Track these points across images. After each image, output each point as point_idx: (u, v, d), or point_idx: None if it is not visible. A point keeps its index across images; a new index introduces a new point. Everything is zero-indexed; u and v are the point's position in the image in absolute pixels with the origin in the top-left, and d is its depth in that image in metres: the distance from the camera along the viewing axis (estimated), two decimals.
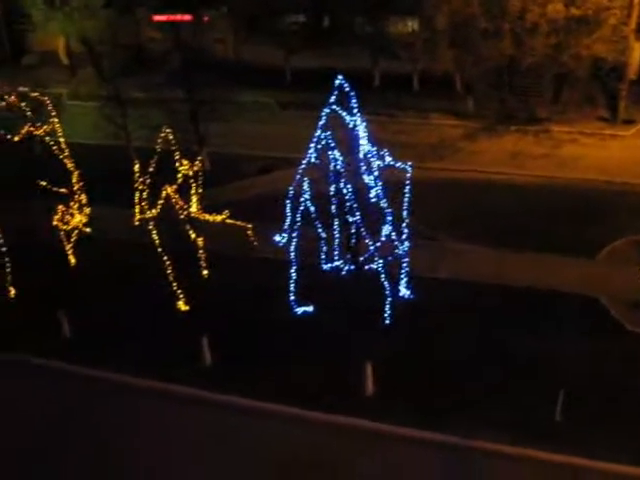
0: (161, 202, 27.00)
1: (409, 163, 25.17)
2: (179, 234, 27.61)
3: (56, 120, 29.82)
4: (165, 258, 26.58)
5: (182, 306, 26.94)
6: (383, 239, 24.94)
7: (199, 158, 29.82)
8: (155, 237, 26.65)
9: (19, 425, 22.76)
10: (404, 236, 25.46)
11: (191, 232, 27.96)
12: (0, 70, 46.49)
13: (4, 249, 28.21)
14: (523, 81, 44.14)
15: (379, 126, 35.59)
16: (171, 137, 28.46)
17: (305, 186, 24.59)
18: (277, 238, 26.34)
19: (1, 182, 28.11)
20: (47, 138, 29.19)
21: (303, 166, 24.49)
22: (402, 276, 25.95)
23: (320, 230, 26.05)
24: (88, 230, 30.07)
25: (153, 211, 27.34)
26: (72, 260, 29.95)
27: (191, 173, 28.31)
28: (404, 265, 25.79)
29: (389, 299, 25.05)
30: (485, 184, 35.96)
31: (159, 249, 26.65)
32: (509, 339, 24.50)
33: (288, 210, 25.78)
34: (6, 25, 62.24)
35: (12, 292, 28.47)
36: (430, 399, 22.19)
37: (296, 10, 56.90)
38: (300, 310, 26.06)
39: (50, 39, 58.45)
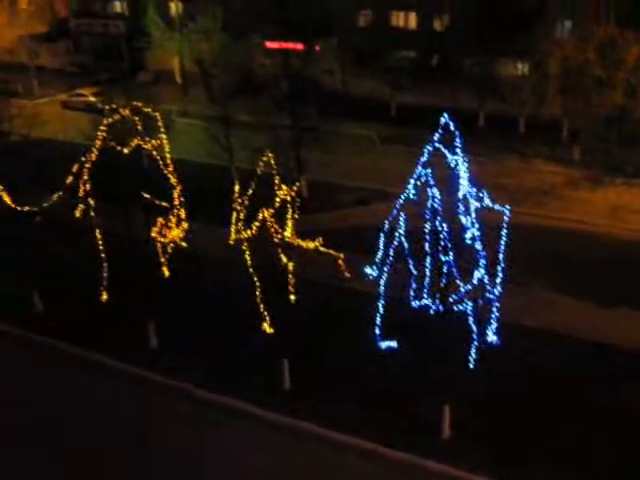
0: (257, 224, 27.42)
1: (507, 207, 24.79)
2: (271, 257, 27.92)
3: (164, 136, 30.81)
4: (255, 279, 26.92)
5: (267, 328, 27.19)
6: (475, 282, 24.55)
7: (297, 184, 30.17)
8: (248, 258, 27.06)
9: (88, 429, 23.43)
10: (496, 280, 25.01)
11: (283, 256, 28.25)
12: (117, 84, 48.36)
13: (103, 255, 29.22)
14: (633, 133, 42.87)
15: (480, 167, 35.21)
16: (272, 161, 28.93)
17: (401, 221, 24.51)
18: (368, 270, 26.28)
19: (107, 191, 29.10)
20: (154, 152, 30.15)
21: (400, 201, 24.44)
22: (491, 321, 25.46)
23: (412, 266, 25.87)
24: (184, 244, 30.79)
25: (248, 232, 27.77)
26: (166, 272, 30.71)
27: (288, 198, 28.64)
28: (494, 310, 25.32)
29: (475, 343, 24.61)
30: (584, 235, 34.98)
31: (250, 270, 27.04)
32: (592, 395, 23.67)
33: (381, 244, 25.73)
34: (127, 42, 64.94)
35: (105, 297, 29.46)
36: (507, 448, 21.61)
37: (406, 47, 57.19)
38: (384, 345, 25.88)
39: (166, 58, 60.60)
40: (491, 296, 24.93)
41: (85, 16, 69.14)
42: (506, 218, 24.73)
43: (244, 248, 27.29)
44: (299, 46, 52.25)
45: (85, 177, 29.06)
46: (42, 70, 63.52)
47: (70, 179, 29.68)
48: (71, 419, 23.90)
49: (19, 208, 30.02)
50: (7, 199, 29.80)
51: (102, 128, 29.65)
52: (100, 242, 29.17)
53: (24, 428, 23.48)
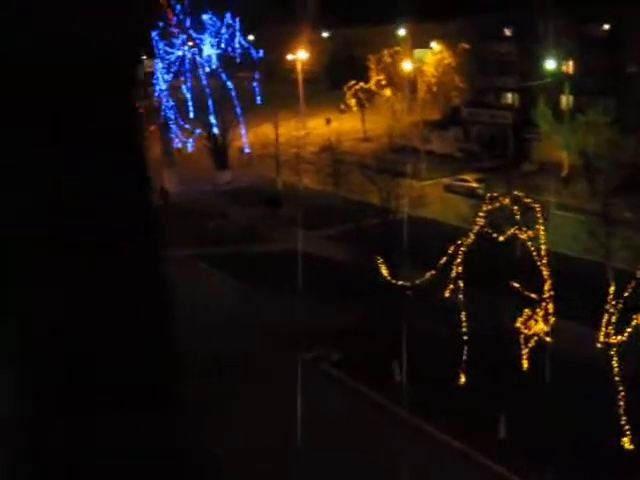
0: (630, 329, 25.79)
1: None
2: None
3: (541, 227, 30.58)
4: (621, 389, 25.23)
5: (627, 444, 25.20)
6: None
7: None
8: (615, 365, 25.51)
9: None
10: None
11: None
12: (500, 173, 49.43)
13: (465, 337, 29.67)
14: None
15: None
16: None
17: None
18: None
19: (478, 275, 29.66)
20: (529, 243, 30.04)
21: None
22: None
23: None
24: (548, 339, 29.96)
25: (619, 337, 26.21)
26: (525, 364, 30.08)
27: None
28: None
29: None
30: None
31: (616, 378, 25.43)
32: None
33: None
34: (514, 132, 66.32)
35: (462, 379, 29.78)
36: None
37: None
38: None
39: (552, 150, 60.53)
40: None
41: (477, 106, 72.31)
42: None
43: (612, 354, 25.80)
44: None
45: (459, 259, 29.98)
46: (431, 154, 67.53)
47: (444, 259, 30.81)
48: None
49: (394, 282, 31.86)
50: (385, 272, 31.88)
51: (481, 214, 30.46)
52: (464, 324, 29.71)
53: None
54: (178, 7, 67.41)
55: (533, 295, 29.82)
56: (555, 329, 30.03)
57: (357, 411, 29.83)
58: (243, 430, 28.69)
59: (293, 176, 61.11)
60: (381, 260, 31.84)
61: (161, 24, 67.93)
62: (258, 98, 71.11)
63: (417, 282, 32.00)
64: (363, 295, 35.65)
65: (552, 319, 29.72)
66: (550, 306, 29.73)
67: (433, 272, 31.33)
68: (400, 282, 31.89)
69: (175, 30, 67.86)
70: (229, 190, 65.59)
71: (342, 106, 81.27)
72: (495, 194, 31.62)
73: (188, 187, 65.92)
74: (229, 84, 68.27)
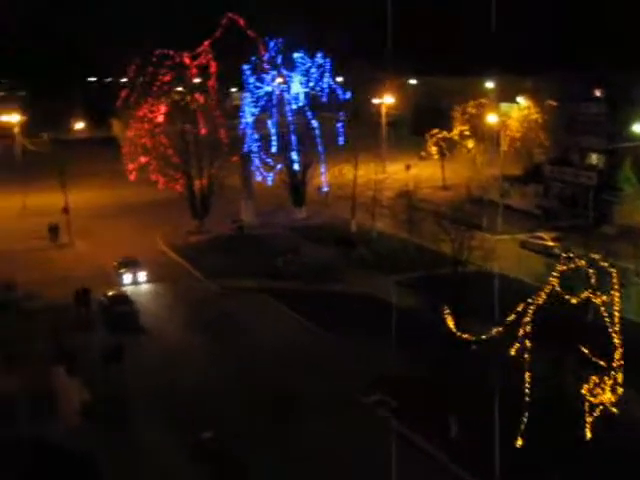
0: None
1: None
2: None
3: (617, 293, 29.68)
4: None
5: None
6: None
7: None
8: None
9: None
10: None
11: None
12: (578, 233, 48.54)
13: (527, 399, 28.90)
14: None
15: None
16: None
17: None
18: None
19: (545, 336, 28.92)
20: (602, 308, 29.21)
21: None
22: None
23: None
24: (614, 410, 28.94)
25: None
26: (588, 434, 29.04)
27: None
28: None
29: None
30: None
31: None
32: None
33: None
34: (596, 193, 65.00)
35: (520, 442, 28.95)
36: None
37: None
38: None
39: (634, 215, 59.08)
40: None
41: (560, 164, 71.32)
42: None
43: None
44: None
45: (528, 318, 29.33)
46: (509, 209, 66.77)
47: (513, 316, 30.17)
48: None
49: (459, 334, 31.41)
50: (451, 324, 31.49)
51: (554, 274, 29.80)
52: (527, 386, 28.94)
53: None
54: (271, 44, 68.88)
55: (602, 362, 28.91)
56: (623, 400, 29.03)
57: (409, 460, 29.30)
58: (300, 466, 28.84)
59: (368, 219, 61.16)
60: (448, 311, 31.45)
61: (253, 59, 69.41)
62: (341, 139, 71.52)
63: (483, 337, 31.42)
64: (427, 344, 35.23)
65: (620, 390, 28.71)
66: (619, 376, 28.75)
67: (500, 329, 30.72)
68: (465, 335, 31.41)
69: (266, 66, 69.25)
70: (303, 227, 66.19)
71: (423, 153, 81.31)
72: (571, 255, 30.91)
73: (264, 220, 66.99)
74: (314, 122, 69.10)
